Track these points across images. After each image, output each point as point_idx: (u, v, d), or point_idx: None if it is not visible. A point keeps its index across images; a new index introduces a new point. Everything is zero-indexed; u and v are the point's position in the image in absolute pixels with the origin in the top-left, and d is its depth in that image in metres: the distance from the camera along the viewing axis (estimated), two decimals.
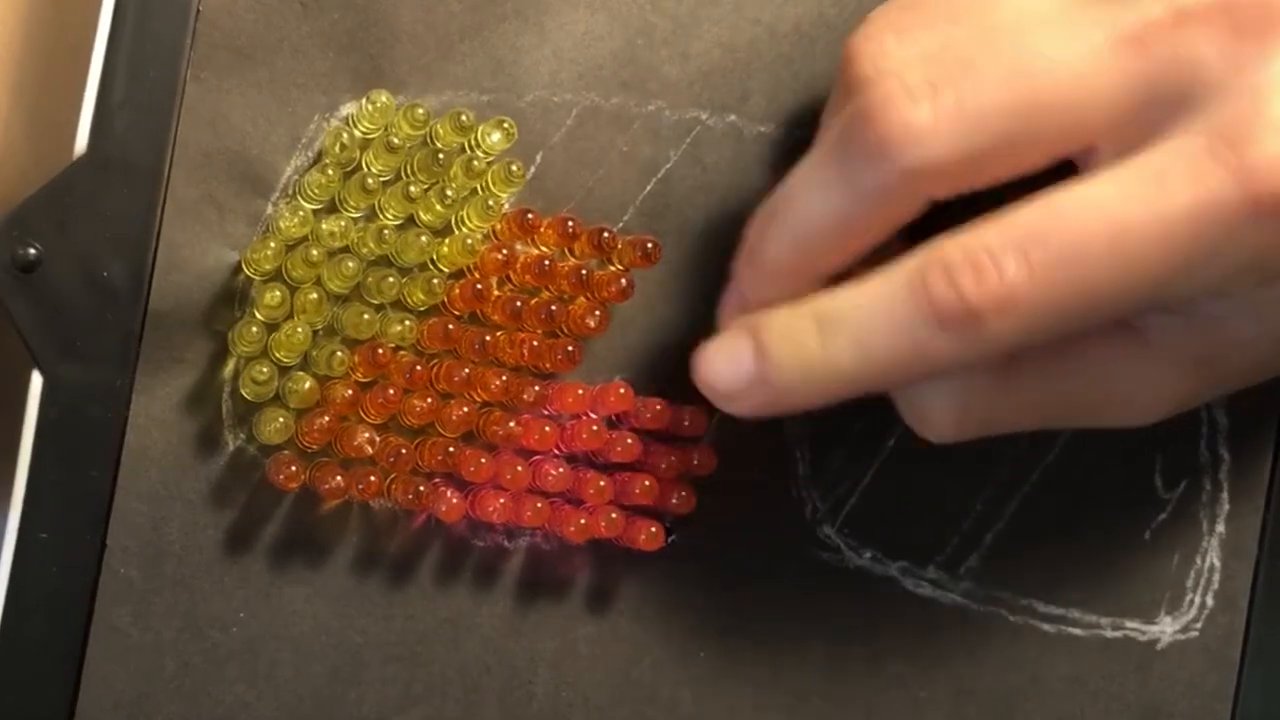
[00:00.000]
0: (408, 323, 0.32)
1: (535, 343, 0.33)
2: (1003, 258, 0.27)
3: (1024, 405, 0.31)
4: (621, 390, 0.34)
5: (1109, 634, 0.37)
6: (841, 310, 0.29)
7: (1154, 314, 0.31)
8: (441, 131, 0.32)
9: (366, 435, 0.32)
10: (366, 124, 0.32)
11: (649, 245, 0.33)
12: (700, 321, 0.35)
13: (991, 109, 0.28)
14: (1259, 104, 0.27)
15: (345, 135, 0.32)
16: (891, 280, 0.29)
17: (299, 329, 0.31)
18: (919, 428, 0.32)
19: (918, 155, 0.28)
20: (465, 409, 0.32)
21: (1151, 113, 0.28)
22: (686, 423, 0.34)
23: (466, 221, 0.33)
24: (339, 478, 0.32)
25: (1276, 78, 0.28)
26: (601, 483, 0.33)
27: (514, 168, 0.32)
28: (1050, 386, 0.31)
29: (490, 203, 0.32)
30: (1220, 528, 0.38)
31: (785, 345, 0.30)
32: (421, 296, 0.32)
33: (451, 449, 0.32)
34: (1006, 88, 0.28)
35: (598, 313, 0.33)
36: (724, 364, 0.30)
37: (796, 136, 0.35)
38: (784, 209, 0.30)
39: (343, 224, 0.32)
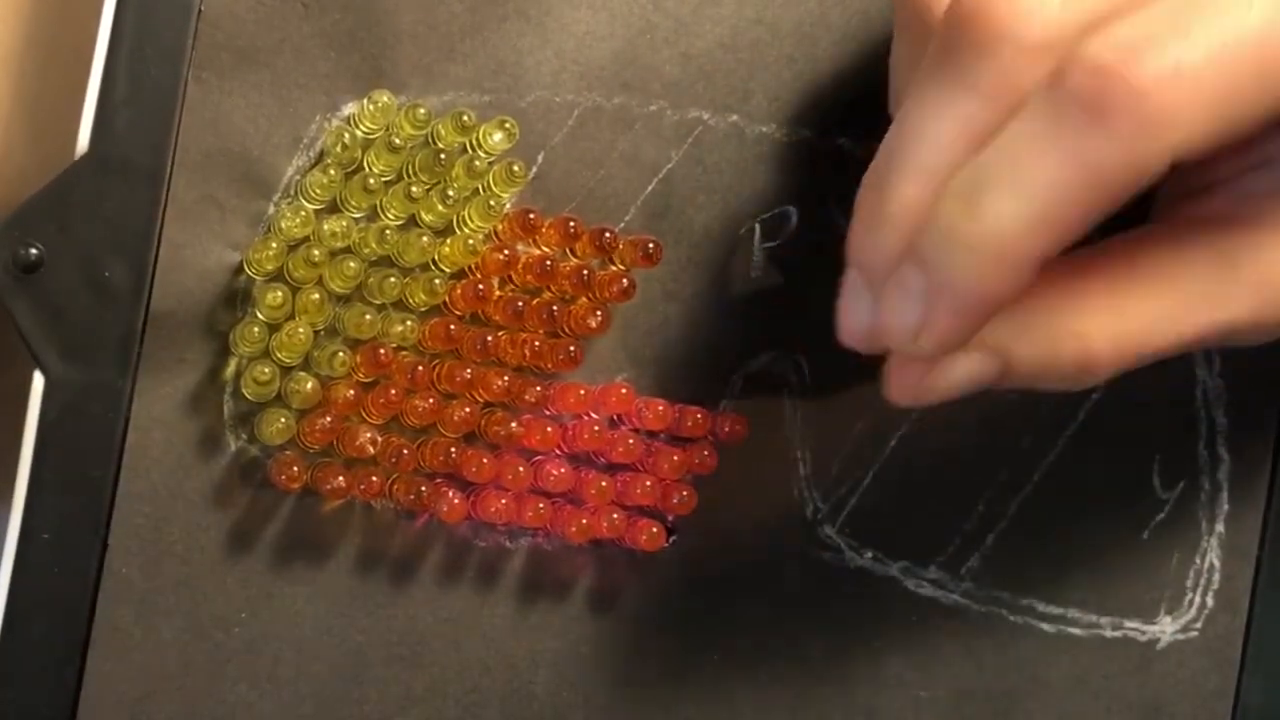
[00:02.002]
0: (409, 323, 0.32)
1: (537, 343, 0.33)
2: (1157, 30, 0.24)
3: (1175, 313, 0.28)
4: (623, 390, 0.34)
5: (1109, 634, 0.37)
6: (980, 169, 0.25)
7: None
8: (443, 131, 0.32)
9: (368, 435, 0.32)
10: (368, 124, 0.32)
11: (650, 245, 0.33)
12: (702, 322, 0.35)
13: None
14: None
15: (347, 135, 0.32)
16: (1027, 111, 0.25)
17: (301, 329, 0.31)
18: (1072, 365, 0.28)
19: (1033, 29, 0.25)
20: (467, 409, 0.32)
21: None
22: (688, 423, 0.34)
23: (468, 222, 0.33)
24: (341, 478, 0.32)
25: None
26: (603, 483, 0.33)
27: (515, 168, 0.32)
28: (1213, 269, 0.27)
29: (492, 203, 0.32)
30: (1220, 528, 0.38)
31: (938, 237, 0.25)
32: (423, 297, 0.32)
33: (453, 449, 0.32)
34: None
35: (599, 313, 0.33)
36: (896, 301, 0.26)
37: (799, 136, 0.35)
38: (904, 142, 0.26)
39: (344, 224, 0.32)
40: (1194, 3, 0.24)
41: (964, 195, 0.25)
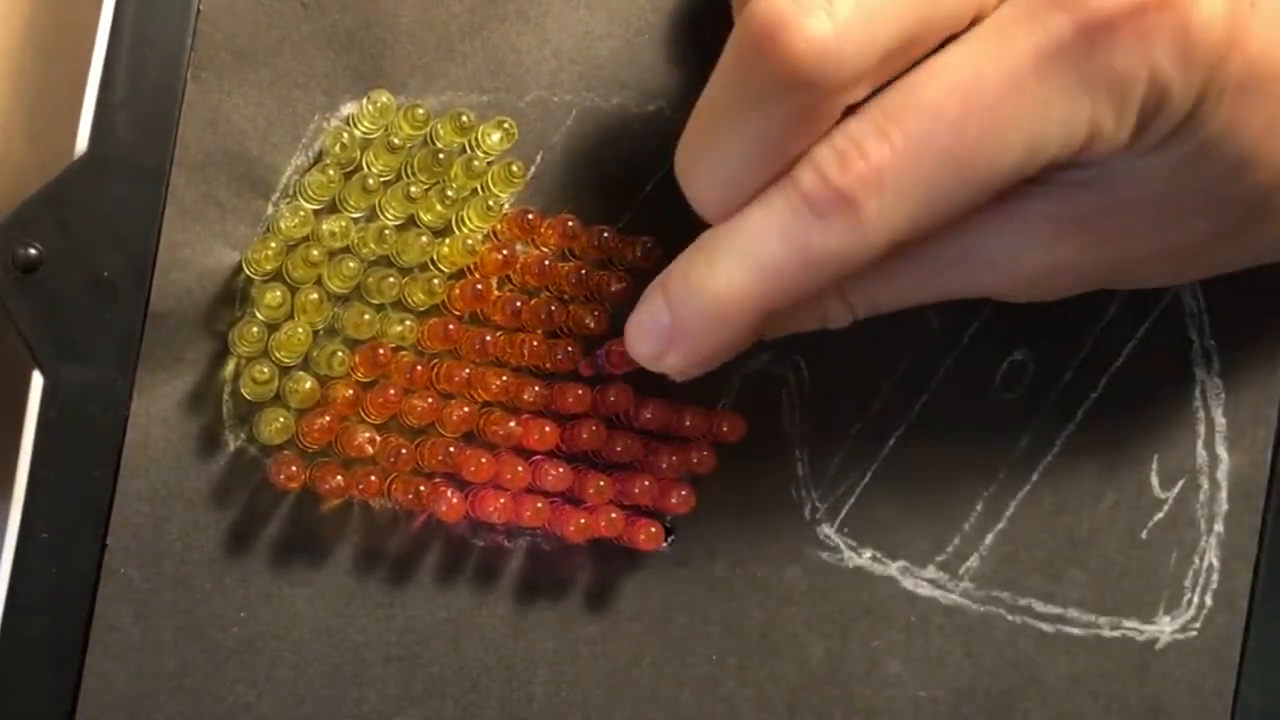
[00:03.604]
0: (408, 323, 0.32)
1: (535, 343, 0.33)
2: (865, 141, 0.27)
3: (902, 281, 0.32)
4: (621, 390, 0.34)
5: (1107, 633, 0.37)
6: (725, 232, 0.29)
7: (1029, 184, 0.30)
8: (442, 131, 0.32)
9: (367, 435, 0.32)
10: (367, 124, 0.32)
11: (648, 245, 0.33)
12: None
13: (890, 7, 0.27)
14: None
15: (346, 135, 0.32)
16: (768, 193, 0.28)
17: (299, 329, 0.31)
18: (824, 320, 0.33)
19: (828, 74, 0.27)
20: (465, 409, 0.32)
21: None
22: (687, 422, 0.34)
23: (467, 222, 0.33)
24: (339, 477, 0.32)
25: None
26: (601, 482, 0.33)
27: (514, 168, 0.32)
28: (922, 253, 0.31)
29: (490, 203, 0.32)
30: (1219, 527, 0.38)
31: (681, 282, 0.29)
32: (422, 296, 0.32)
33: (452, 449, 0.32)
34: None
35: (596, 313, 0.33)
36: (645, 324, 0.30)
37: None
38: (707, 146, 0.29)
39: (343, 224, 0.32)
40: (894, 109, 0.28)
41: (706, 252, 0.29)
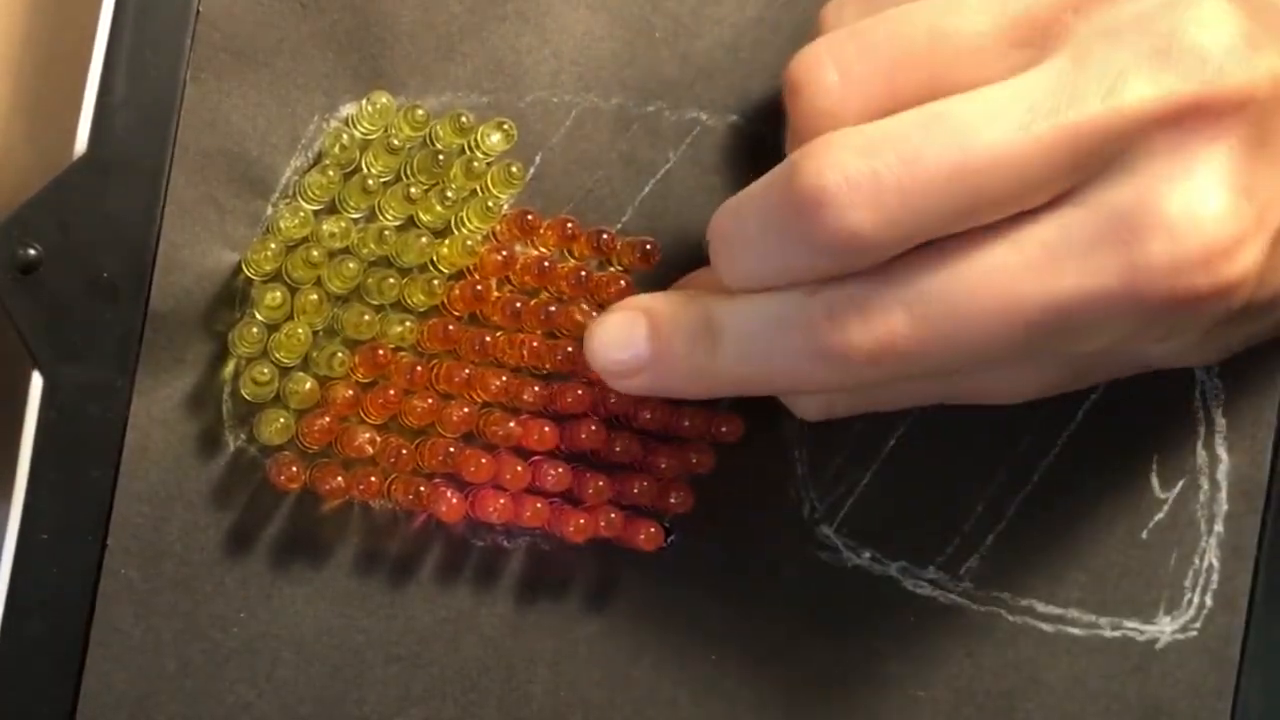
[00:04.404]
0: (408, 323, 0.32)
1: (535, 343, 0.33)
2: (892, 311, 0.29)
3: (890, 396, 0.34)
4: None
5: (1108, 634, 0.37)
6: (736, 324, 0.30)
7: None
8: (441, 132, 0.32)
9: (367, 436, 0.32)
10: (366, 125, 0.32)
11: (648, 246, 0.33)
12: None
13: (933, 205, 0.28)
14: (1163, 197, 0.28)
15: (345, 136, 0.32)
16: (786, 308, 0.30)
17: (299, 330, 0.31)
18: (789, 406, 0.34)
19: (859, 259, 0.29)
20: (465, 409, 0.33)
21: (1070, 181, 0.29)
22: (686, 422, 0.34)
23: (466, 222, 0.33)
24: (339, 478, 0.32)
25: (1186, 173, 0.28)
26: (600, 482, 0.33)
27: (514, 169, 0.32)
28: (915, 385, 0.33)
29: (490, 204, 0.32)
30: (1218, 527, 0.38)
31: (678, 342, 0.31)
32: (422, 297, 0.32)
33: (452, 449, 0.32)
34: (949, 184, 0.28)
35: (594, 314, 0.33)
36: (618, 344, 0.32)
37: None
38: (741, 233, 0.30)
39: (343, 225, 0.32)
40: (929, 292, 0.29)
41: (713, 331, 0.31)
